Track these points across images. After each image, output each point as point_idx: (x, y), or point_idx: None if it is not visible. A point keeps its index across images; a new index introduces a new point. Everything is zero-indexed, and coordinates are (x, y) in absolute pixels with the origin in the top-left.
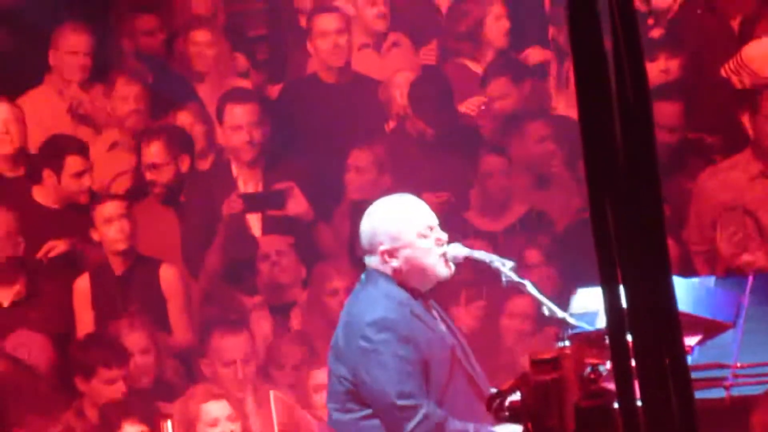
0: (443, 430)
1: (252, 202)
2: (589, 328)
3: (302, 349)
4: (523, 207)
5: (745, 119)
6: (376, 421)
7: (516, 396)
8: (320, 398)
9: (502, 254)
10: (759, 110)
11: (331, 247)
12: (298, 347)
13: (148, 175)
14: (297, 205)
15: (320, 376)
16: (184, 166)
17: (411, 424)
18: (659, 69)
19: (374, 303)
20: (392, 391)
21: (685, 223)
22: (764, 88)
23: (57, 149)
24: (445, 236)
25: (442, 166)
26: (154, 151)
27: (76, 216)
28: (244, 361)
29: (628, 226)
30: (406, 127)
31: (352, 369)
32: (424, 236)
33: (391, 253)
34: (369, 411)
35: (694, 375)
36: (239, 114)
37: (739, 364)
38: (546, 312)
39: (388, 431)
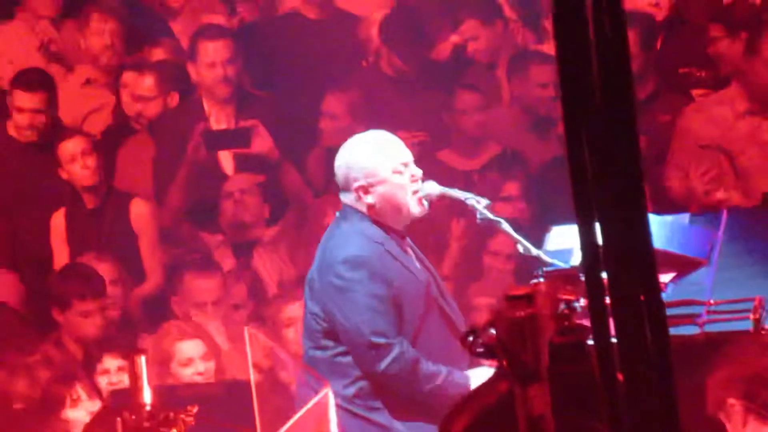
0: (417, 371)
1: (215, 140)
2: (563, 265)
3: (269, 286)
4: (498, 146)
5: (737, 55)
6: (349, 358)
7: (491, 332)
8: (293, 333)
9: (477, 193)
10: (753, 47)
11: (298, 188)
12: (263, 284)
13: (133, 108)
14: (262, 143)
15: (292, 311)
16: (173, 101)
17: (384, 363)
18: (649, 2)
19: (348, 240)
20: (365, 329)
21: (664, 159)
22: (759, 23)
23: (25, 84)
24: (419, 173)
25: (418, 105)
26: (147, 84)
27: (47, 152)
28: (215, 303)
29: (605, 163)
30: (381, 65)
31: (326, 306)
32: (399, 172)
33: (366, 190)
34: (343, 348)
35: (668, 312)
36: (213, 50)
37: (712, 301)
38: (521, 249)
39: (361, 369)
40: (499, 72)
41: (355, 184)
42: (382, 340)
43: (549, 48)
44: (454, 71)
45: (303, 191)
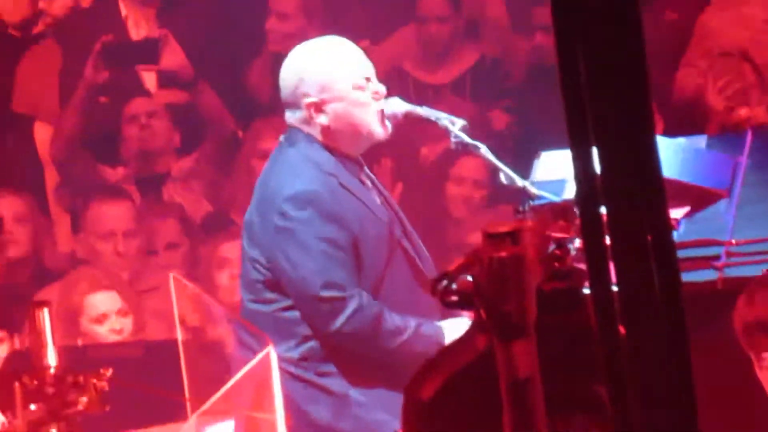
0: (379, 326)
1: (114, 55)
2: (554, 198)
3: (193, 224)
4: (474, 54)
5: None
6: (297, 314)
7: (467, 277)
8: (225, 278)
9: (450, 112)
10: None
11: (216, 111)
12: (184, 222)
13: (34, 5)
14: (172, 58)
15: (227, 250)
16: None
17: (339, 320)
18: None
19: (294, 171)
20: (316, 280)
21: (675, 68)
22: None
23: None
24: (383, 89)
25: (380, 8)
26: None
27: None
28: (125, 234)
29: (603, 75)
30: None
31: (268, 252)
32: (360, 88)
33: (319, 107)
34: (289, 302)
35: (680, 254)
36: None
37: (734, 241)
38: (503, 179)
39: (311, 327)
40: None
41: (306, 100)
42: (336, 293)
43: None
44: None
45: (223, 116)
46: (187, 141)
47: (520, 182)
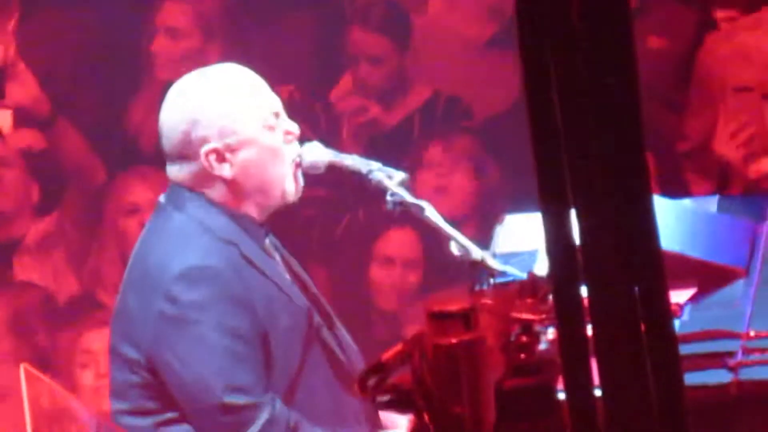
0: None
1: None
2: (520, 275)
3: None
4: (427, 90)
5: None
6: (185, 428)
7: (404, 371)
8: (90, 378)
9: (389, 163)
10: None
11: (82, 157)
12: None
13: None
14: (22, 90)
15: (92, 341)
16: None
17: None
18: None
19: (184, 241)
20: (217, 384)
21: (677, 111)
22: None
23: None
24: (296, 129)
25: (299, 31)
26: None
27: None
28: None
29: (584, 114)
30: None
31: (149, 349)
32: (271, 128)
33: (222, 156)
34: (175, 413)
35: (683, 349)
36: None
37: (752, 333)
38: (455, 250)
39: None
40: None
41: (205, 147)
42: (241, 400)
43: None
44: None
45: (89, 163)
46: (47, 197)
47: (477, 254)
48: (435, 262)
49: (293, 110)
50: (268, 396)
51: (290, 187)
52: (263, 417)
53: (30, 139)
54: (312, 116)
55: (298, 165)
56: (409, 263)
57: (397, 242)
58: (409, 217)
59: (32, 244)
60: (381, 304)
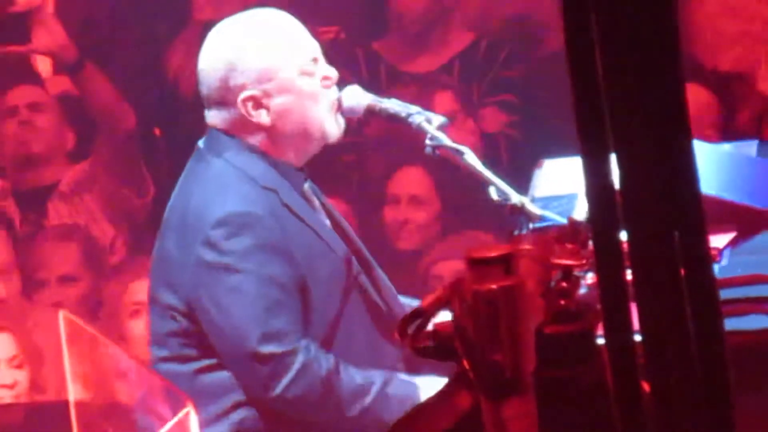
0: (334, 388)
1: None
2: (561, 219)
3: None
4: (467, 36)
5: None
6: (226, 375)
7: (445, 318)
8: (140, 328)
9: (427, 107)
10: None
11: (111, 103)
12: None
13: None
14: (48, 36)
15: (141, 291)
16: None
17: (283, 382)
18: None
19: (223, 188)
20: (253, 332)
21: (719, 48)
22: None
23: None
24: (335, 73)
25: None
26: None
27: None
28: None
29: (624, 59)
30: None
31: (188, 296)
32: (309, 73)
33: (259, 102)
34: (214, 360)
35: (723, 294)
36: None
37: None
38: (494, 195)
39: (246, 392)
40: None
41: (243, 94)
42: (278, 348)
43: None
44: None
45: (119, 108)
46: (82, 142)
47: (515, 198)
48: (449, 201)
49: (335, 53)
50: (303, 342)
51: (331, 128)
52: (299, 361)
53: (66, 84)
54: (353, 60)
55: (338, 108)
56: (413, 200)
57: (405, 179)
58: (421, 156)
59: (67, 190)
60: (399, 245)
